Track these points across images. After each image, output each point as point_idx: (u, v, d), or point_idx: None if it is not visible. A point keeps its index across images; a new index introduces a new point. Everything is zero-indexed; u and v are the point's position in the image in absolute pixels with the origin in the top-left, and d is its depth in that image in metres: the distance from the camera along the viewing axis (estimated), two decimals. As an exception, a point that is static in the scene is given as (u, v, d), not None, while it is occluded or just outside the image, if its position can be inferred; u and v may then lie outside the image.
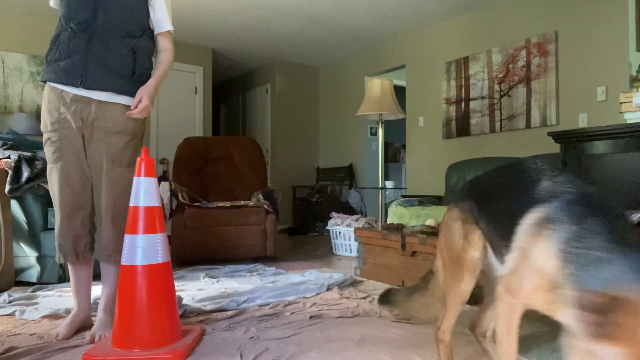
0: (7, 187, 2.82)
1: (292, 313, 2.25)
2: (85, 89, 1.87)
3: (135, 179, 1.72)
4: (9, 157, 2.92)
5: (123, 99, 1.94)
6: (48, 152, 1.93)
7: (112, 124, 1.91)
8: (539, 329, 1.99)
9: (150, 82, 1.96)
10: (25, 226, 3.05)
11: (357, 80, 6.57)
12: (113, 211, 1.92)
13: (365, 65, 6.45)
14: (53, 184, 1.93)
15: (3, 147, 3.11)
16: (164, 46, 2.09)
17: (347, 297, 2.58)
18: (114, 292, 1.95)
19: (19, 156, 2.90)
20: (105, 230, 1.93)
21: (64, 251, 1.93)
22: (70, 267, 1.99)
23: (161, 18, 2.05)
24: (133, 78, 1.95)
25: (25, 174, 2.86)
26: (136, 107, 1.91)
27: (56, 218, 1.94)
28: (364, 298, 2.56)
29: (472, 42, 5.02)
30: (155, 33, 2.07)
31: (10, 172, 2.85)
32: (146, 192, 1.70)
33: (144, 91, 1.92)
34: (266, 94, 7.19)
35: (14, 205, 3.01)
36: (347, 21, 5.40)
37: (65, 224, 1.92)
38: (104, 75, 1.87)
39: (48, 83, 1.91)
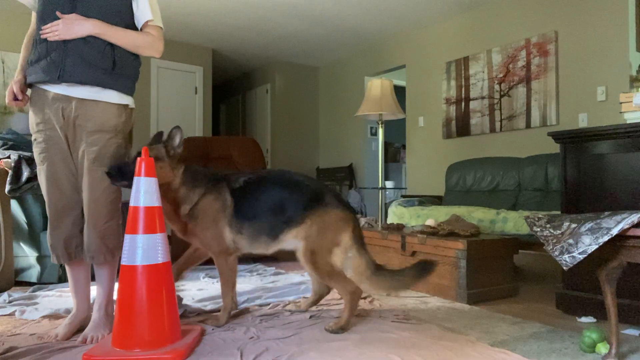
0: (7, 187, 2.82)
1: (292, 313, 2.25)
2: (64, 82, 1.81)
3: (135, 179, 1.72)
4: (9, 157, 2.92)
5: (103, 96, 1.87)
6: (35, 153, 1.91)
7: (92, 122, 1.86)
8: (539, 329, 1.99)
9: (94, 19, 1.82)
10: (25, 226, 3.05)
11: (357, 80, 6.56)
12: (94, 211, 1.87)
13: (365, 65, 6.45)
14: (42, 185, 1.91)
15: (3, 147, 3.11)
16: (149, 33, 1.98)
17: (347, 297, 2.57)
18: (108, 293, 1.95)
19: (19, 156, 2.90)
20: (86, 231, 1.89)
21: (56, 252, 1.92)
22: (67, 268, 1.99)
23: (143, 10, 1.95)
24: (114, 71, 1.87)
25: (25, 174, 2.86)
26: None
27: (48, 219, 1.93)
28: (364, 298, 2.56)
29: (472, 42, 5.02)
30: (139, 27, 1.97)
31: (10, 172, 2.85)
32: (146, 192, 1.70)
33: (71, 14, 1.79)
34: (266, 94, 7.18)
35: (14, 205, 3.01)
36: (347, 21, 5.40)
37: (55, 225, 1.91)
38: (83, 67, 1.81)
39: (32, 85, 1.89)
